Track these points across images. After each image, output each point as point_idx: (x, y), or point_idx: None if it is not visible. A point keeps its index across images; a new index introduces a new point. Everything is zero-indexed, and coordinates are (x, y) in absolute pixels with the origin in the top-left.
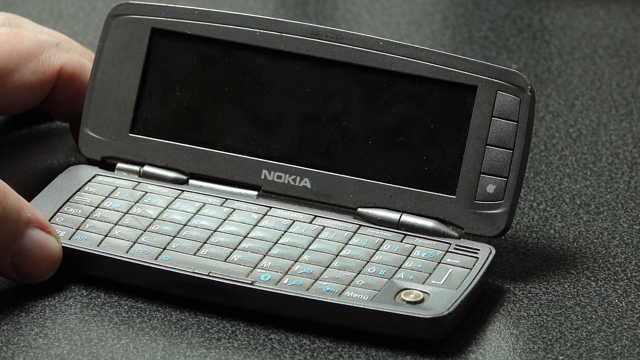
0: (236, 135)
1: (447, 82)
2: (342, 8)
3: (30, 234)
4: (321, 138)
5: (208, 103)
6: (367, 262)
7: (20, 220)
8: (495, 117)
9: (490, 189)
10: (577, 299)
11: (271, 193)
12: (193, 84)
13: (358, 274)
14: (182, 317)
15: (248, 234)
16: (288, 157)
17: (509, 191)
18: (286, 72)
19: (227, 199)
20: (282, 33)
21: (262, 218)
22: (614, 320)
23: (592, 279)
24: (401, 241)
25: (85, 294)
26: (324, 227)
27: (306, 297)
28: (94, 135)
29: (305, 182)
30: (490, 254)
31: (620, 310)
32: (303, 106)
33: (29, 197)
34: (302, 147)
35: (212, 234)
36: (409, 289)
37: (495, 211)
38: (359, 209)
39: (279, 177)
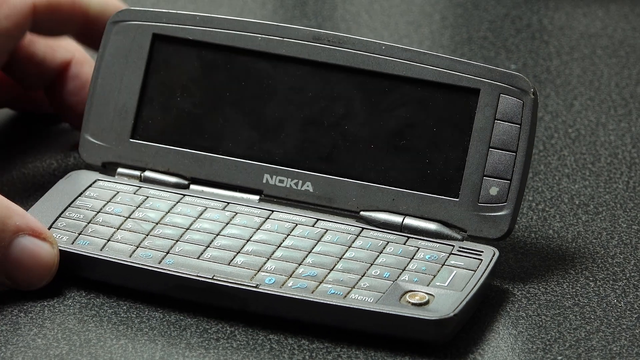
0: (238, 140)
1: (450, 86)
2: (340, 8)
3: (20, 242)
4: (323, 142)
5: (209, 108)
6: (371, 264)
7: (7, 229)
8: (498, 119)
9: (494, 191)
10: (576, 299)
11: (273, 197)
12: (194, 89)
13: (362, 276)
14: (181, 318)
15: (251, 237)
16: (290, 161)
17: (512, 193)
18: (288, 77)
19: (229, 202)
20: (283, 38)
21: (264, 221)
22: (612, 320)
23: (591, 279)
24: (404, 243)
25: (84, 294)
26: (327, 230)
27: (311, 299)
28: (94, 141)
29: (308, 186)
30: (493, 256)
31: (619, 310)
32: (305, 110)
33: (28, 198)
34: (304, 151)
35: (215, 238)
36: (414, 290)
37: (499, 213)
38: (362, 213)
39: (281, 181)
